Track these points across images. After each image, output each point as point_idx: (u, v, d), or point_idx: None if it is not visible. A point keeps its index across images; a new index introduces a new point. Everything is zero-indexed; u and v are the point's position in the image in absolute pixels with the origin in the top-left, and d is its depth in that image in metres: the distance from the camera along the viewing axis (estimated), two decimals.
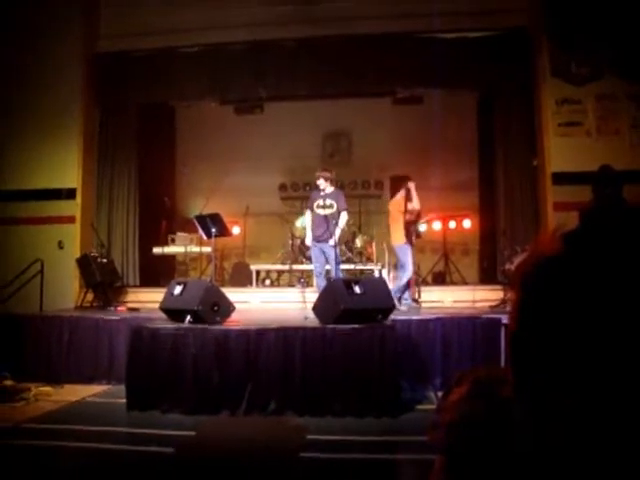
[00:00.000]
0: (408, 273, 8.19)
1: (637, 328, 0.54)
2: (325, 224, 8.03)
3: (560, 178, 8.94)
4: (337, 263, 8.05)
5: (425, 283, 10.23)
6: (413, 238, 8.35)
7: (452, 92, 10.51)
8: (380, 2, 9.83)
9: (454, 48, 9.51)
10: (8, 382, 6.75)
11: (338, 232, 8.09)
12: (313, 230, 8.17)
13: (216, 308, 6.32)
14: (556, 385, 0.57)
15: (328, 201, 8.13)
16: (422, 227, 10.00)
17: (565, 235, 0.61)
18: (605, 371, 0.55)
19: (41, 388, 6.74)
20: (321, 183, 8.16)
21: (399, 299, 8.06)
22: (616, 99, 9.06)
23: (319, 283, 8.07)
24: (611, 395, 0.55)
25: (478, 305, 8.54)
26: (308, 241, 8.27)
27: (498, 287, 8.82)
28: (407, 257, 8.20)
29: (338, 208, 8.13)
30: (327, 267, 8.17)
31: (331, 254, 7.96)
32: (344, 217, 8.20)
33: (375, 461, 4.45)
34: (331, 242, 7.95)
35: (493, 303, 8.40)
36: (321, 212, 8.12)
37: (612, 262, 0.57)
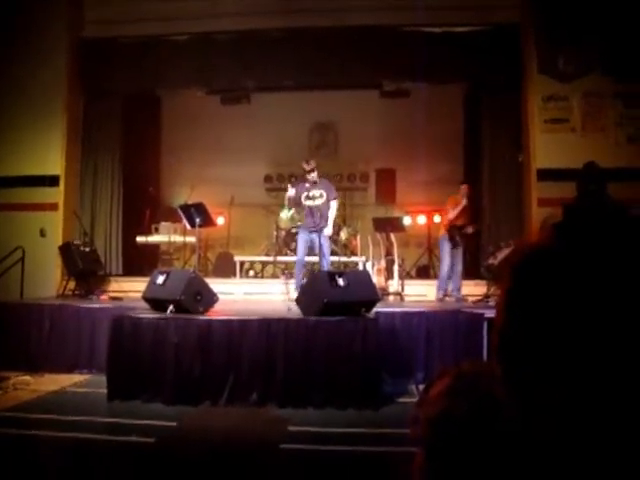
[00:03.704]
0: (442, 267, 8.60)
1: (627, 321, 0.53)
2: (317, 215, 8.02)
3: (545, 174, 8.99)
4: (328, 254, 8.08)
5: (409, 277, 10.26)
6: (456, 237, 8.55)
7: (439, 86, 10.52)
8: None
9: (442, 42, 9.52)
10: None
11: (331, 221, 8.14)
12: (303, 221, 8.18)
13: (199, 298, 6.29)
14: (544, 377, 0.56)
15: (318, 191, 8.11)
16: (407, 220, 10.07)
17: (556, 227, 0.60)
18: (595, 364, 0.54)
19: (20, 377, 6.68)
20: (313, 174, 8.12)
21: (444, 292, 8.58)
22: (602, 96, 9.12)
23: (299, 271, 8.17)
24: (601, 388, 0.54)
25: (467, 299, 8.57)
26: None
27: (481, 282, 8.87)
28: (442, 251, 8.64)
29: (328, 197, 8.13)
30: (314, 258, 8.21)
31: (325, 244, 7.97)
32: (335, 206, 8.24)
33: (355, 453, 4.46)
34: (327, 232, 7.97)
35: (476, 298, 8.44)
36: (311, 203, 8.10)
37: (604, 257, 0.56)
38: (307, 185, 8.16)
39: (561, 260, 0.59)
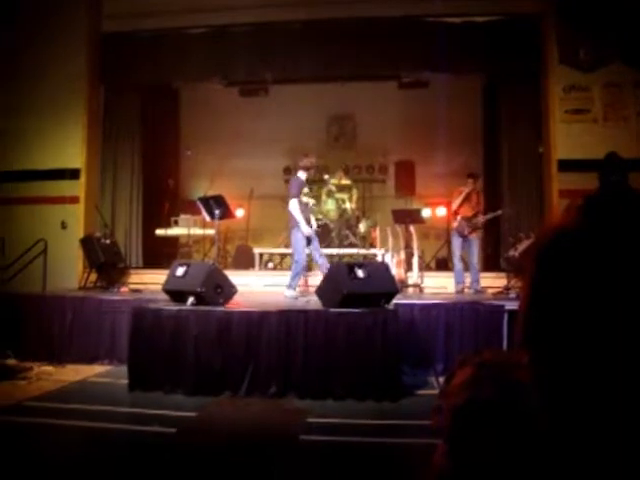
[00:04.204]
0: (454, 261, 8.66)
1: None
2: (307, 211, 8.06)
3: (566, 165, 8.90)
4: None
5: (428, 269, 10.22)
6: (463, 229, 8.52)
7: (458, 77, 10.44)
8: None
9: (461, 32, 9.44)
10: (11, 361, 6.80)
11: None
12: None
13: (219, 290, 6.32)
14: (573, 365, 0.55)
15: (306, 189, 8.18)
16: (426, 212, 10.05)
17: (580, 209, 0.60)
18: (624, 350, 0.53)
19: (43, 367, 6.78)
20: (312, 170, 8.17)
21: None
22: (624, 86, 9.01)
23: (300, 269, 7.98)
24: (633, 375, 0.53)
25: (485, 291, 8.52)
26: (306, 229, 7.81)
27: (501, 274, 8.81)
28: (453, 245, 8.73)
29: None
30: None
31: (316, 238, 8.05)
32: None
33: (374, 444, 4.47)
34: (315, 227, 8.09)
35: (496, 290, 8.39)
36: (306, 200, 8.12)
37: (629, 237, 0.55)
38: (304, 181, 8.10)
39: (586, 241, 0.58)
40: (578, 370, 0.56)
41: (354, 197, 10.83)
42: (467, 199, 8.57)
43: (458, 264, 8.58)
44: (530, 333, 0.62)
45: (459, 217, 8.56)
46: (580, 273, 0.57)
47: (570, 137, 9.00)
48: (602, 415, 0.55)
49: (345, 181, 10.95)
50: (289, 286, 7.93)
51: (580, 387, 0.56)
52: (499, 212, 8.89)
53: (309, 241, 7.96)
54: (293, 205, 7.81)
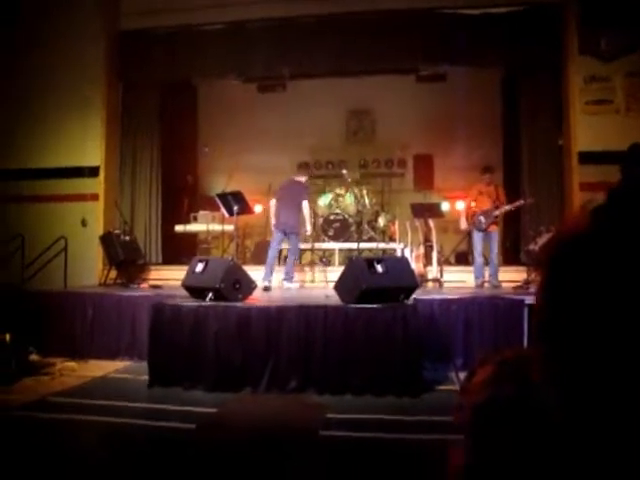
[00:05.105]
0: (474, 255, 8.61)
1: None
2: None
3: (587, 157, 8.79)
4: None
5: (448, 263, 10.17)
6: (481, 224, 8.48)
7: (476, 69, 10.35)
8: None
9: (479, 24, 9.35)
10: (34, 357, 6.87)
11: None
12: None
13: (238, 286, 6.33)
14: (587, 365, 0.54)
15: None
16: (445, 206, 10.02)
17: (593, 212, 0.58)
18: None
19: (66, 363, 6.85)
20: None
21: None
22: None
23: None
24: None
25: (501, 285, 8.47)
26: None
27: (522, 268, 8.74)
28: (474, 240, 8.65)
29: None
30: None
31: None
32: None
33: (394, 440, 4.45)
34: None
35: (516, 284, 8.33)
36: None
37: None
38: None
39: (600, 244, 0.56)
40: (587, 367, 0.55)
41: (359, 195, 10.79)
42: (484, 193, 8.54)
43: (479, 258, 8.54)
44: (542, 330, 0.60)
45: (477, 212, 8.51)
46: (589, 282, 0.55)
47: (591, 128, 8.88)
48: (616, 413, 0.53)
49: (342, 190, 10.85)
50: (292, 278, 8.54)
51: (593, 386, 0.55)
52: (520, 202, 8.74)
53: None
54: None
